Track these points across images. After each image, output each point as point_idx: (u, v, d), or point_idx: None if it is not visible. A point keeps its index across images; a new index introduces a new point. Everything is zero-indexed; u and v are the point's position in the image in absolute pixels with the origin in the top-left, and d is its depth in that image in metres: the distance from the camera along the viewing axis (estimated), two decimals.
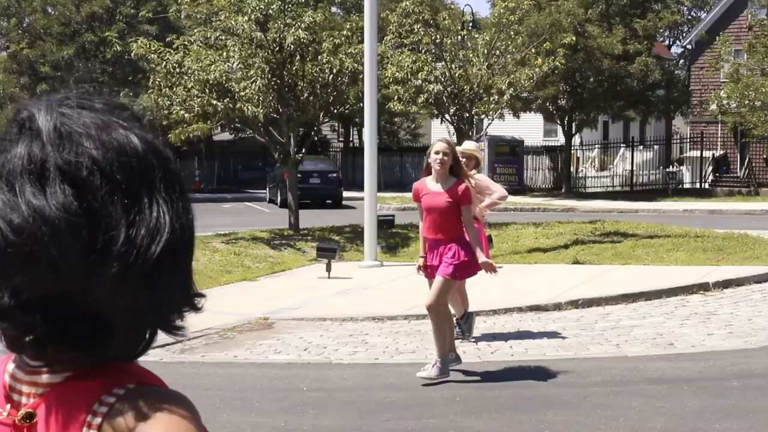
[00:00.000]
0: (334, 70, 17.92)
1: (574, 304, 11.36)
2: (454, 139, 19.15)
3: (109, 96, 1.13)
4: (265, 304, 11.63)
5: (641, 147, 42.43)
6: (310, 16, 17.75)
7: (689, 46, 43.71)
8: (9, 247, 1.03)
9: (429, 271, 7.78)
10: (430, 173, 7.64)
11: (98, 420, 1.07)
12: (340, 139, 49.47)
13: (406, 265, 14.63)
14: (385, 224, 18.30)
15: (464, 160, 9.29)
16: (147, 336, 1.12)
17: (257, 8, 17.37)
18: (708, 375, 8.00)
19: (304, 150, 19.32)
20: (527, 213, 27.20)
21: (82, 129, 1.06)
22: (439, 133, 40.20)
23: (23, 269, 1.03)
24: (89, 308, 1.05)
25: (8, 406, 1.13)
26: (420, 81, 18.70)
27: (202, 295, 1.15)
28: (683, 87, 41.58)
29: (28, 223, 1.02)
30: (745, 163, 37.77)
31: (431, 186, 7.64)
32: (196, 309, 1.15)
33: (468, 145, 9.59)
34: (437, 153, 7.54)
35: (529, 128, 41.72)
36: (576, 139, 39.17)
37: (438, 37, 19.09)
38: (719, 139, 39.57)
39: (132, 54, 18.51)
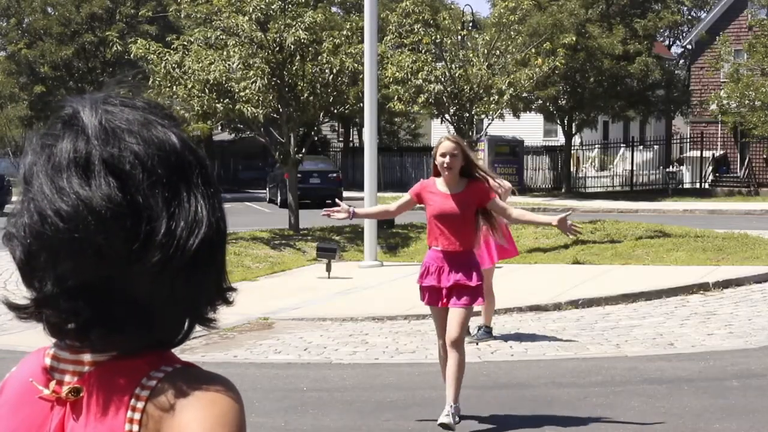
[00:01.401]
0: (334, 70, 17.92)
1: (574, 304, 11.36)
2: None
3: (149, 95, 1.20)
4: (265, 304, 11.63)
5: (641, 147, 42.43)
6: (311, 16, 17.76)
7: (689, 46, 43.71)
8: (58, 234, 1.09)
9: (432, 295, 6.47)
10: (438, 175, 6.56)
11: (146, 393, 1.13)
12: (340, 139, 49.48)
13: (406, 265, 14.63)
14: (385, 224, 18.29)
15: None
16: (186, 326, 1.18)
17: (257, 8, 17.37)
18: (708, 375, 8.00)
19: (304, 150, 19.32)
20: None
21: (125, 125, 1.12)
22: (439, 133, 40.16)
23: (70, 256, 1.09)
24: (130, 296, 1.11)
25: (53, 383, 1.18)
26: (420, 81, 18.70)
27: (233, 289, 1.23)
28: (683, 87, 41.58)
29: (77, 212, 1.08)
30: (745, 163, 37.77)
31: (441, 188, 6.51)
32: (228, 302, 1.23)
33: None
34: (443, 155, 6.40)
35: (529, 128, 41.72)
36: (576, 139, 39.16)
37: (438, 37, 19.08)
38: (719, 139, 39.56)
39: (131, 55, 18.51)
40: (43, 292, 1.13)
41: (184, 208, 1.12)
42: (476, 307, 6.65)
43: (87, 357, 1.17)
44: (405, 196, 6.71)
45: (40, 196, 1.11)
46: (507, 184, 9.12)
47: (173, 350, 1.21)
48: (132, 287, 1.11)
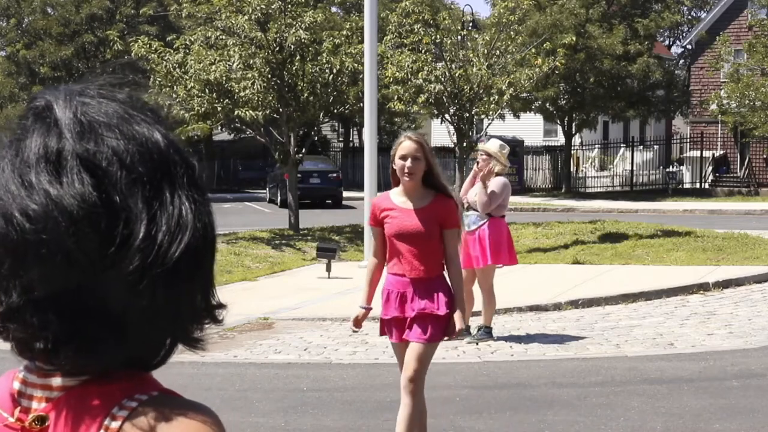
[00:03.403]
0: (334, 70, 17.93)
1: (574, 304, 11.36)
2: (455, 138, 19.17)
3: (132, 89, 1.09)
4: (265, 304, 11.64)
5: (641, 147, 42.43)
6: (311, 16, 17.76)
7: (689, 46, 43.71)
8: (24, 237, 0.99)
9: (395, 329, 5.35)
10: (397, 183, 5.38)
11: (117, 424, 1.02)
12: (340, 139, 49.47)
13: None
14: None
15: (483, 157, 9.13)
16: (167, 345, 1.07)
17: (258, 8, 17.38)
18: (708, 375, 8.00)
19: (304, 150, 19.33)
20: (527, 213, 27.19)
21: (102, 118, 1.03)
22: (440, 133, 40.20)
23: (38, 262, 0.99)
24: (104, 308, 1.01)
25: (17, 410, 1.07)
26: (420, 81, 18.69)
27: (223, 306, 1.10)
28: (683, 87, 41.58)
29: (45, 212, 0.98)
30: (745, 163, 37.77)
31: (399, 202, 5.34)
32: (217, 321, 1.10)
33: (487, 144, 9.34)
34: (404, 158, 5.23)
35: (529, 128, 41.72)
36: (576, 139, 39.16)
37: (438, 37, 19.07)
38: (719, 139, 39.56)
39: (132, 54, 18.51)
40: (7, 304, 1.02)
41: (167, 210, 1.01)
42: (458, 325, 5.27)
43: (56, 381, 1.05)
44: (373, 235, 5.59)
45: (6, 195, 1.01)
46: (491, 203, 8.98)
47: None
48: (106, 299, 1.00)
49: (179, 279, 1.02)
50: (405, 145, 5.24)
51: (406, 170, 5.21)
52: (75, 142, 1.00)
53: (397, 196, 5.37)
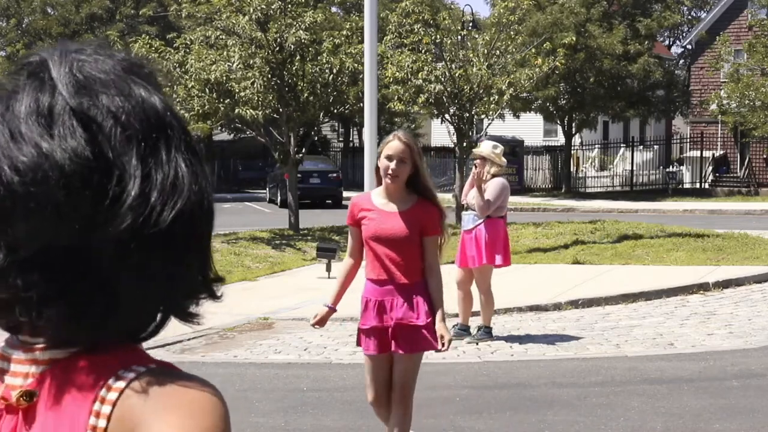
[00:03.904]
0: (334, 70, 17.93)
1: (574, 304, 11.36)
2: (455, 138, 19.18)
3: (129, 53, 1.07)
4: (265, 304, 11.64)
5: (641, 147, 42.44)
6: (311, 16, 17.76)
7: (689, 46, 43.71)
8: (12, 190, 0.95)
9: (374, 339, 5.11)
10: (380, 183, 5.15)
11: (113, 395, 0.96)
12: (340, 139, 49.47)
13: None
14: None
15: (478, 162, 9.16)
16: (159, 317, 1.02)
17: (258, 8, 17.38)
18: (708, 375, 8.00)
19: (304, 150, 19.34)
20: (527, 213, 27.20)
21: (99, 74, 1.00)
22: (440, 133, 40.18)
23: (25, 217, 0.95)
24: (94, 270, 0.96)
25: (1, 387, 1.02)
26: (420, 81, 18.70)
27: (221, 279, 1.06)
28: (683, 87, 41.59)
29: (35, 165, 0.94)
30: (745, 163, 37.78)
31: (379, 203, 5.10)
32: (215, 296, 1.05)
33: (481, 147, 9.37)
34: (389, 159, 4.97)
35: (529, 128, 41.72)
36: (576, 139, 39.17)
37: (438, 37, 19.08)
38: (719, 139, 39.57)
39: (132, 54, 18.50)
40: None
41: (162, 170, 0.97)
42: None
43: (42, 354, 1.00)
44: (350, 234, 5.36)
45: None
46: (488, 206, 8.97)
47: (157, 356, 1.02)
48: (96, 260, 0.95)
49: (174, 246, 0.98)
50: (392, 144, 4.99)
51: (389, 171, 4.97)
52: (69, 97, 0.97)
53: (378, 197, 5.13)
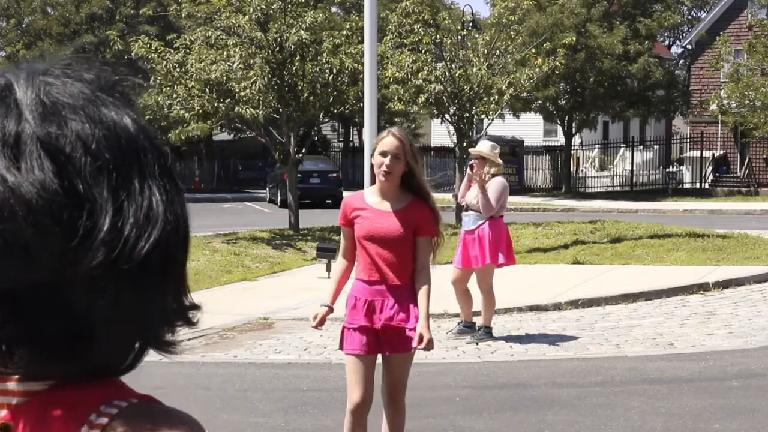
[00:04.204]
0: (334, 70, 17.93)
1: (574, 304, 11.36)
2: (455, 138, 19.18)
3: (101, 69, 0.99)
4: (265, 304, 11.64)
5: (641, 147, 42.46)
6: (311, 16, 17.77)
7: (689, 46, 43.73)
8: None
9: (361, 339, 4.95)
10: (374, 181, 5.09)
11: None
12: (340, 139, 49.47)
13: None
14: None
15: (477, 161, 9.16)
16: (136, 348, 0.97)
17: (258, 8, 17.39)
18: (708, 375, 8.01)
19: (304, 150, 19.34)
20: (527, 213, 27.20)
21: (67, 99, 0.93)
22: (440, 133, 40.15)
23: None
24: (66, 308, 0.91)
25: None
26: (420, 81, 18.71)
27: (197, 307, 1.02)
28: (683, 87, 41.60)
29: (2, 201, 0.89)
30: (745, 163, 37.79)
31: (373, 202, 5.00)
32: (190, 323, 1.01)
33: (479, 147, 9.39)
34: (384, 155, 4.89)
35: (529, 128, 41.73)
36: (576, 139, 39.18)
37: (438, 37, 19.09)
38: (719, 139, 39.58)
39: (132, 54, 18.53)
40: None
41: (136, 201, 0.92)
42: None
43: (18, 386, 0.95)
44: (342, 234, 5.22)
45: None
46: (492, 206, 8.98)
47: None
48: (68, 297, 0.91)
49: (149, 277, 0.93)
50: (386, 141, 4.89)
51: (383, 168, 4.86)
52: (36, 125, 0.91)
53: (371, 195, 5.02)
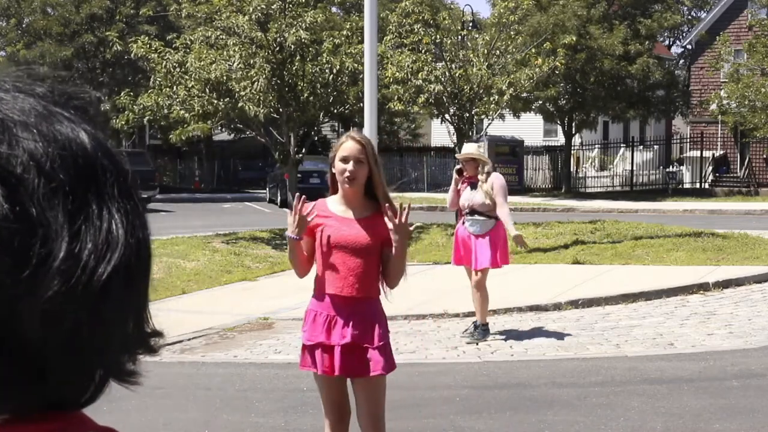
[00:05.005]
0: (334, 70, 17.94)
1: (574, 304, 11.36)
2: (455, 138, 19.17)
3: (55, 82, 0.93)
4: (265, 304, 11.64)
5: (641, 147, 42.47)
6: (311, 16, 17.77)
7: (689, 46, 43.73)
8: None
9: (321, 357, 4.66)
10: (337, 191, 4.78)
11: None
12: None
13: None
14: None
15: (471, 164, 9.21)
16: (96, 380, 0.91)
17: (258, 8, 17.39)
18: (708, 375, 8.00)
19: (304, 150, 19.34)
20: (527, 213, 27.20)
21: (18, 116, 0.86)
22: (440, 133, 40.08)
23: None
24: (16, 342, 0.84)
25: None
26: (420, 81, 18.70)
27: (159, 334, 0.95)
28: (683, 87, 41.62)
29: None
30: (745, 163, 37.79)
31: (337, 210, 4.73)
32: (152, 351, 0.94)
33: (467, 149, 9.49)
34: (345, 160, 4.61)
35: (529, 128, 41.75)
36: (576, 139, 39.20)
37: (438, 37, 19.08)
38: (719, 139, 39.58)
39: (132, 54, 18.53)
40: None
41: (94, 225, 0.85)
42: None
43: None
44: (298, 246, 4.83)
45: None
46: (503, 209, 9.02)
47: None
48: (19, 331, 0.83)
49: (108, 305, 0.86)
50: (347, 145, 4.60)
51: (347, 174, 4.58)
52: None
53: (335, 204, 4.73)
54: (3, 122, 0.85)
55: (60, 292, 0.83)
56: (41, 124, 0.86)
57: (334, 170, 4.68)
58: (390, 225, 4.54)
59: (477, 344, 9.28)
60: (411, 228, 4.55)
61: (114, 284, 0.86)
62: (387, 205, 4.60)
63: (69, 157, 0.86)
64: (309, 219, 4.69)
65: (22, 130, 0.85)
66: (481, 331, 9.39)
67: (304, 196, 4.76)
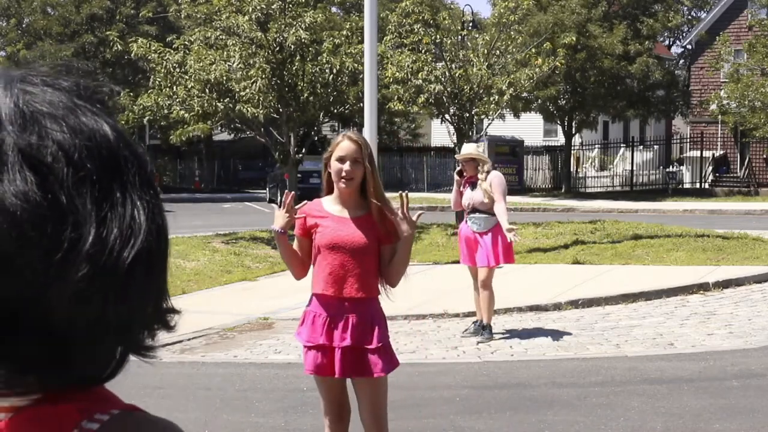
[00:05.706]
0: (334, 70, 17.94)
1: (574, 304, 11.36)
2: (455, 138, 19.17)
3: (79, 76, 0.98)
4: (265, 304, 11.64)
5: (641, 147, 42.47)
6: (311, 16, 17.78)
7: (689, 46, 43.73)
8: None
9: (320, 359, 4.69)
10: (331, 191, 4.76)
11: None
12: None
13: None
14: None
15: (471, 164, 9.23)
16: (117, 356, 0.96)
17: (258, 8, 17.39)
18: (708, 375, 8.00)
19: (304, 150, 19.34)
20: (527, 213, 27.20)
21: (47, 108, 0.91)
22: (440, 133, 40.07)
23: None
24: (47, 322, 0.89)
25: None
26: (420, 81, 18.70)
27: (176, 311, 1.00)
28: (683, 87, 41.63)
29: None
30: (745, 163, 37.79)
31: (334, 210, 4.73)
32: (169, 327, 0.99)
33: (466, 149, 9.50)
34: (341, 160, 4.60)
35: (529, 128, 41.76)
36: (576, 139, 39.20)
37: (438, 37, 19.08)
38: (719, 139, 39.58)
39: (132, 54, 18.53)
40: None
41: (118, 212, 0.91)
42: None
43: (1, 401, 0.93)
44: (299, 245, 4.92)
45: None
46: (501, 207, 9.05)
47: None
48: (50, 312, 0.88)
49: (132, 287, 0.92)
50: (343, 145, 4.58)
51: (343, 174, 4.56)
52: (17, 135, 0.88)
53: (331, 204, 4.72)
54: (33, 115, 0.90)
55: (88, 275, 0.88)
56: (68, 117, 0.91)
57: (329, 170, 4.65)
58: (395, 219, 4.55)
59: (477, 344, 9.27)
60: (415, 218, 4.56)
61: (137, 267, 0.91)
62: (382, 204, 4.62)
63: (94, 148, 0.91)
64: (296, 216, 4.75)
65: (51, 122, 0.90)
66: (489, 330, 9.40)
67: (293, 192, 4.86)
